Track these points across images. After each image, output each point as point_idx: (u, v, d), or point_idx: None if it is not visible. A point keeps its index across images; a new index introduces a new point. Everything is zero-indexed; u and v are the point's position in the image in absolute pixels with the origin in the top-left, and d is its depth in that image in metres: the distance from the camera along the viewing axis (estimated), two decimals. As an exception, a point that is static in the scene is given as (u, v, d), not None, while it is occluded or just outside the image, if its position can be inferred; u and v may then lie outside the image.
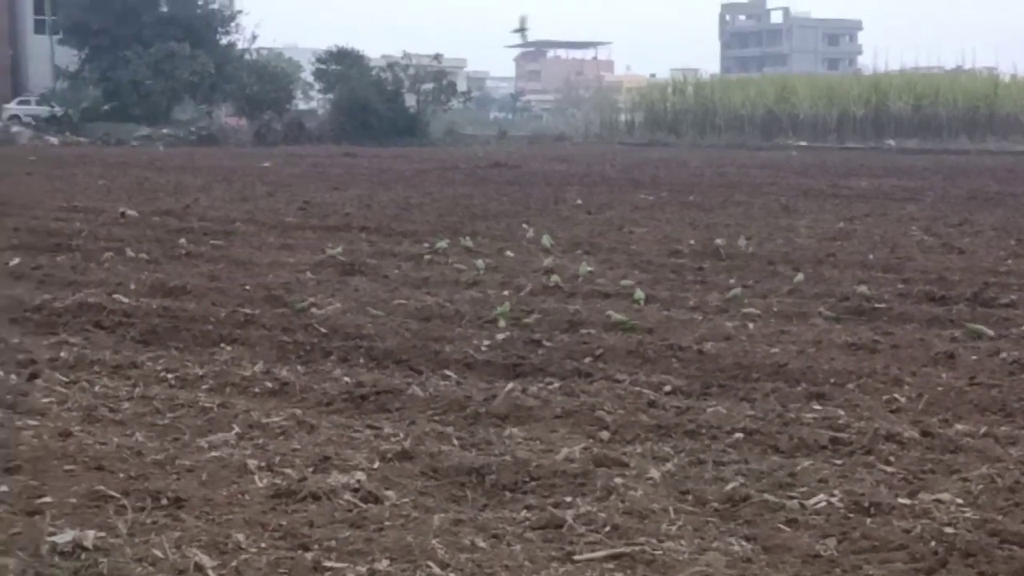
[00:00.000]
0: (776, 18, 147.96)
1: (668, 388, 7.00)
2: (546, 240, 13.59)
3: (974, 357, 7.78)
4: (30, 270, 11.39)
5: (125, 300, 9.54)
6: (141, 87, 54.96)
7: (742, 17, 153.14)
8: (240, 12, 61.84)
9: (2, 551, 4.27)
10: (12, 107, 57.51)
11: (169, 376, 7.16)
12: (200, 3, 60.58)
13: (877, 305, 9.67)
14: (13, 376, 6.99)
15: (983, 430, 5.99)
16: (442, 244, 13.18)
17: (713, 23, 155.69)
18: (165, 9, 58.77)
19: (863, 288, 10.21)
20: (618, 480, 5.18)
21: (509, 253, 12.96)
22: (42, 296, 9.69)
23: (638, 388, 6.91)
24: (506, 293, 10.33)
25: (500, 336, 8.42)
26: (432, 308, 9.56)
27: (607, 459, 5.48)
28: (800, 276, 11.03)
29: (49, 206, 18.05)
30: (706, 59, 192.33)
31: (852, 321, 9.17)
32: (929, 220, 16.96)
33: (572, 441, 5.84)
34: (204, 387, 6.92)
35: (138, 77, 54.82)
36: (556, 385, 7.03)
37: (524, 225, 15.58)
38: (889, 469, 5.38)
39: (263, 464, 5.35)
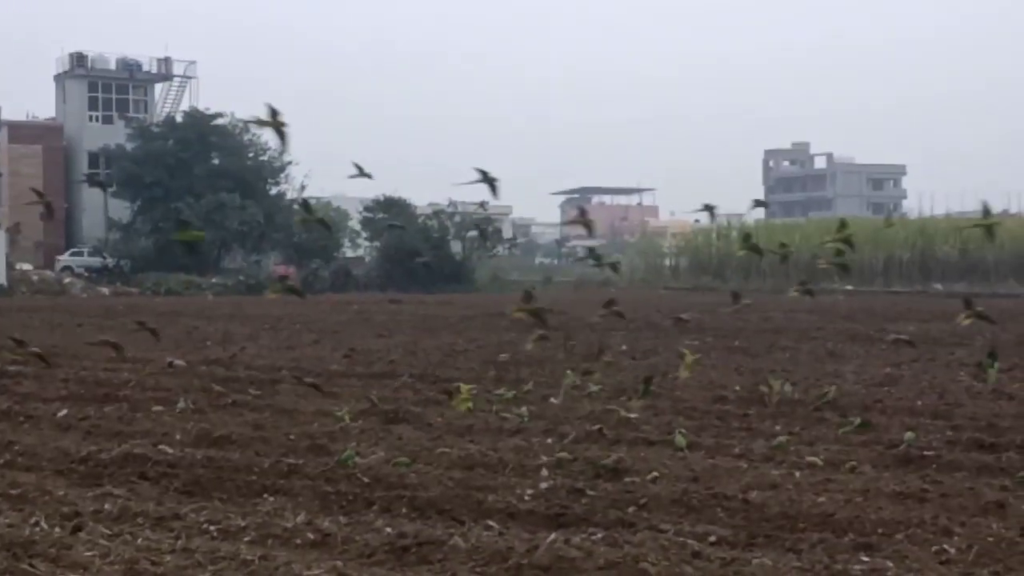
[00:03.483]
0: (820, 163, 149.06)
1: (713, 538, 6.90)
2: (591, 387, 13.57)
3: (1025, 506, 7.64)
4: (77, 421, 11.48)
5: (170, 451, 9.59)
6: (192, 237, 55.95)
7: (786, 163, 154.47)
8: (290, 163, 63.14)
9: None
10: (65, 258, 58.77)
11: (212, 528, 7.14)
12: (251, 155, 61.99)
13: (926, 453, 9.55)
14: (57, 529, 7.01)
15: (1036, 582, 5.86)
16: (495, 393, 13.15)
17: (757, 168, 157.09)
18: (217, 161, 60.19)
19: (911, 435, 10.09)
20: (662, 635, 5.08)
21: (553, 400, 12.94)
22: (88, 447, 9.76)
23: (682, 538, 6.82)
24: (549, 441, 10.29)
25: (543, 485, 8.36)
26: (475, 456, 9.53)
27: (651, 613, 5.39)
28: (855, 421, 10.94)
29: (98, 356, 18.25)
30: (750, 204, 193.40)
31: (900, 469, 9.05)
32: (978, 365, 16.79)
33: (615, 594, 5.75)
34: (246, 539, 6.90)
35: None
36: (599, 535, 6.95)
37: (568, 371, 15.55)
38: (940, 623, 5.27)
39: (303, 619, 5.30)
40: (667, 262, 69.23)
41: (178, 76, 72.05)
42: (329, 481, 8.54)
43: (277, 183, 63.17)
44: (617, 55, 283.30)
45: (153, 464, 9.04)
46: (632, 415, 11.45)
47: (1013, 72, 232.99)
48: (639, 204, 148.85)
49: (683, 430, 10.39)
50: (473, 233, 59.35)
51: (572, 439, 10.33)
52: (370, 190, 72.60)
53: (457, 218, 60.79)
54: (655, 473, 8.71)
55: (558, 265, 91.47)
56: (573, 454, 9.52)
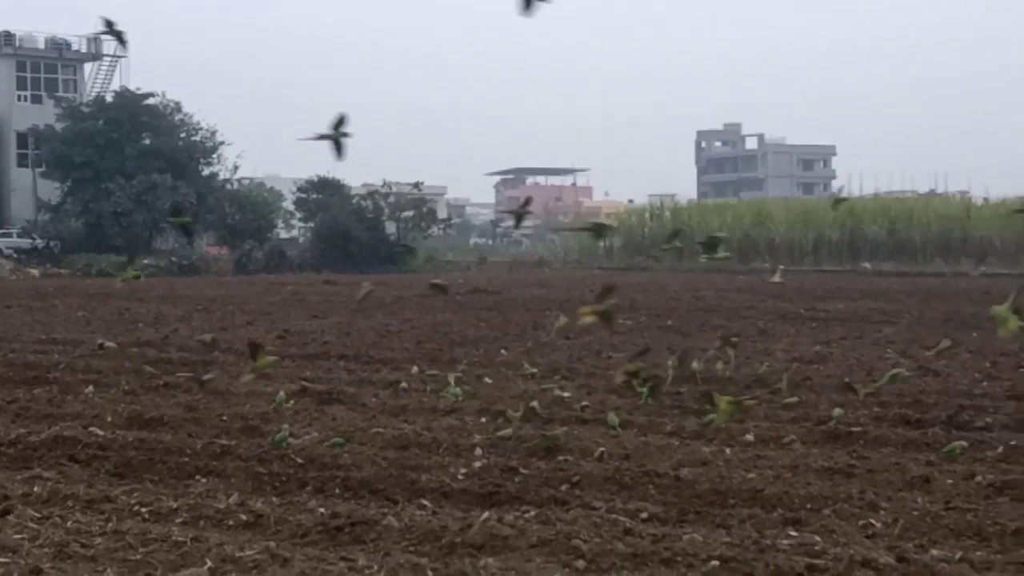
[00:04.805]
0: (751, 144, 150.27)
1: (645, 515, 6.97)
2: (525, 366, 13.62)
3: (950, 481, 7.80)
4: (6, 404, 11.34)
5: (101, 433, 9.50)
6: (123, 218, 55.36)
7: (718, 143, 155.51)
8: (222, 143, 62.54)
9: None
10: (-7, 240, 57.81)
11: (143, 510, 7.10)
12: (182, 135, 61.34)
13: (853, 429, 9.70)
14: (-14, 512, 6.94)
15: (959, 555, 5.99)
16: (429, 372, 13.14)
17: (689, 149, 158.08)
18: (148, 142, 59.50)
19: (839, 411, 10.24)
20: (593, 610, 5.14)
21: (488, 379, 12.97)
22: (17, 430, 9.65)
23: (614, 515, 6.89)
24: (483, 420, 10.33)
25: (477, 464, 8.41)
26: (409, 436, 9.55)
27: (582, 589, 5.45)
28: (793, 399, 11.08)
29: (27, 339, 18.04)
30: (683, 184, 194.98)
31: (828, 445, 9.19)
32: (905, 343, 17.06)
33: (548, 571, 5.81)
34: (178, 520, 6.87)
35: (120, 208, 55.27)
36: (532, 513, 7.00)
37: (503, 351, 15.61)
38: (865, 596, 5.37)
39: (235, 599, 5.30)
40: (601, 242, 69.29)
41: (108, 56, 71.09)
42: (262, 462, 8.52)
43: (209, 163, 62.54)
44: (550, 38, 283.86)
45: (83, 446, 8.96)
46: (566, 394, 11.52)
47: (942, 71, 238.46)
48: (573, 185, 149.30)
49: (615, 408, 10.46)
50: (408, 214, 59.14)
51: (506, 418, 10.36)
52: (304, 171, 72.22)
53: (391, 199, 60.57)
54: (602, 449, 8.77)
55: (493, 246, 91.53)
56: (507, 433, 9.56)
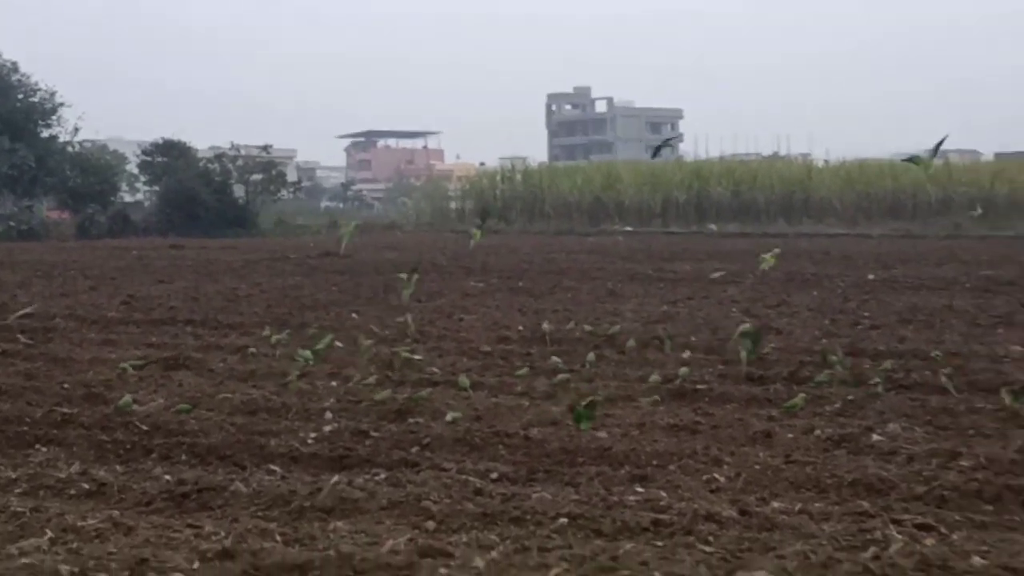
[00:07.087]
0: (600, 107, 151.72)
1: (495, 475, 7.02)
2: (375, 329, 13.57)
3: (790, 435, 8.02)
4: None
5: (-66, 403, 9.19)
6: (-43, 182, 53.43)
7: (568, 106, 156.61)
8: (62, 105, 60.53)
9: None
10: None
11: (-21, 481, 6.90)
12: (20, 96, 59.27)
13: (699, 386, 9.90)
14: None
15: (798, 507, 6.17)
16: (277, 337, 12.96)
17: (540, 112, 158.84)
18: (-18, 103, 57.36)
19: (685, 370, 10.43)
20: (443, 571, 5.16)
21: (338, 343, 12.87)
22: None
23: (465, 476, 6.92)
24: (334, 384, 10.27)
25: (327, 428, 8.36)
26: (258, 401, 9.44)
27: (432, 550, 5.46)
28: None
29: None
30: (534, 147, 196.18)
31: (675, 403, 9.36)
32: (749, 302, 17.44)
33: (397, 532, 5.80)
34: (17, 491, 6.69)
35: (-46, 172, 53.31)
36: (382, 476, 6.99)
37: (353, 315, 15.52)
38: (708, 549, 5.49)
39: (76, 569, 5.18)
40: (453, 205, 69.16)
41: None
42: (105, 430, 8.34)
43: (48, 125, 60.52)
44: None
45: (-84, 417, 8.65)
46: (416, 357, 11.51)
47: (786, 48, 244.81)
48: (424, 148, 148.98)
49: (466, 370, 10.49)
50: (256, 177, 58.19)
51: (357, 381, 10.32)
52: (149, 133, 70.49)
53: (240, 162, 59.49)
54: (458, 414, 8.75)
55: (344, 209, 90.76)
56: (358, 397, 9.54)
